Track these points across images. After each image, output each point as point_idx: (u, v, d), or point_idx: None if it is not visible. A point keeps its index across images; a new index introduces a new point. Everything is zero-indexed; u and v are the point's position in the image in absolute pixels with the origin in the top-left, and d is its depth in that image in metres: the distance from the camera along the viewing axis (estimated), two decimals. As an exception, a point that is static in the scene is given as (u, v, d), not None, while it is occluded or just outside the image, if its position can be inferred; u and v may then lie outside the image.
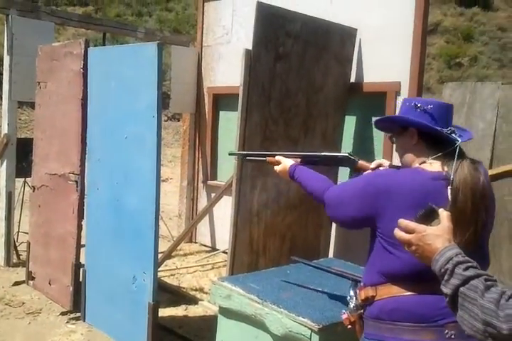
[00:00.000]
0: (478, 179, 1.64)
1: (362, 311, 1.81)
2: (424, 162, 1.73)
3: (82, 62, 3.82)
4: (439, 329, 1.58)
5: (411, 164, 1.79)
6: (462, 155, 1.69)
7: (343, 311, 1.91)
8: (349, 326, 1.89)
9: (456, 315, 1.22)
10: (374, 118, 1.98)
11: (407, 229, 1.37)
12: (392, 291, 1.68)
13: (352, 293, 1.89)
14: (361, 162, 2.14)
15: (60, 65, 4.07)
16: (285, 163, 2.17)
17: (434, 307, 1.59)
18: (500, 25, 19.05)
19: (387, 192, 1.66)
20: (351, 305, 1.86)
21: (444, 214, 1.38)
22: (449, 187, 1.61)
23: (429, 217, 1.37)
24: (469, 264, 1.24)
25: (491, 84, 3.80)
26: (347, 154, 2.16)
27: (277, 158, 2.22)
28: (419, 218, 1.37)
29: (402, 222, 1.39)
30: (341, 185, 1.92)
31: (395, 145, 1.92)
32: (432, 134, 1.74)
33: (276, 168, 2.21)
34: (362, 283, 1.83)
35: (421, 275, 1.54)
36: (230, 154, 2.70)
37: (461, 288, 1.20)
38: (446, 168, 1.67)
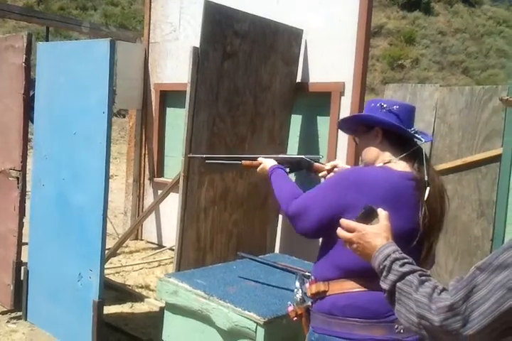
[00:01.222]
0: (442, 183, 1.78)
1: (309, 304, 1.82)
2: (389, 161, 1.76)
3: (25, 56, 3.73)
4: (389, 324, 1.61)
5: (374, 163, 1.81)
6: (426, 157, 1.76)
7: (289, 303, 1.91)
8: (295, 318, 1.89)
9: (394, 309, 1.27)
10: (340, 118, 2.02)
11: (348, 228, 1.42)
12: (345, 287, 1.68)
13: (298, 285, 1.89)
14: (317, 164, 2.21)
15: (1, 59, 3.96)
16: (265, 163, 2.18)
17: (385, 303, 1.61)
18: (440, 29, 19.77)
19: (360, 185, 1.66)
20: (297, 297, 1.87)
21: (382, 213, 1.43)
22: (427, 188, 1.66)
23: (368, 216, 1.42)
24: (405, 260, 1.29)
25: (430, 86, 3.96)
26: (302, 156, 2.23)
27: (259, 159, 2.22)
28: (360, 217, 1.43)
29: (344, 221, 1.44)
30: (302, 195, 1.85)
31: (358, 145, 1.93)
32: (397, 134, 1.78)
33: (259, 168, 2.21)
34: (313, 277, 1.80)
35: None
36: (189, 157, 2.76)
37: (398, 284, 1.25)
38: (413, 169, 1.72)
